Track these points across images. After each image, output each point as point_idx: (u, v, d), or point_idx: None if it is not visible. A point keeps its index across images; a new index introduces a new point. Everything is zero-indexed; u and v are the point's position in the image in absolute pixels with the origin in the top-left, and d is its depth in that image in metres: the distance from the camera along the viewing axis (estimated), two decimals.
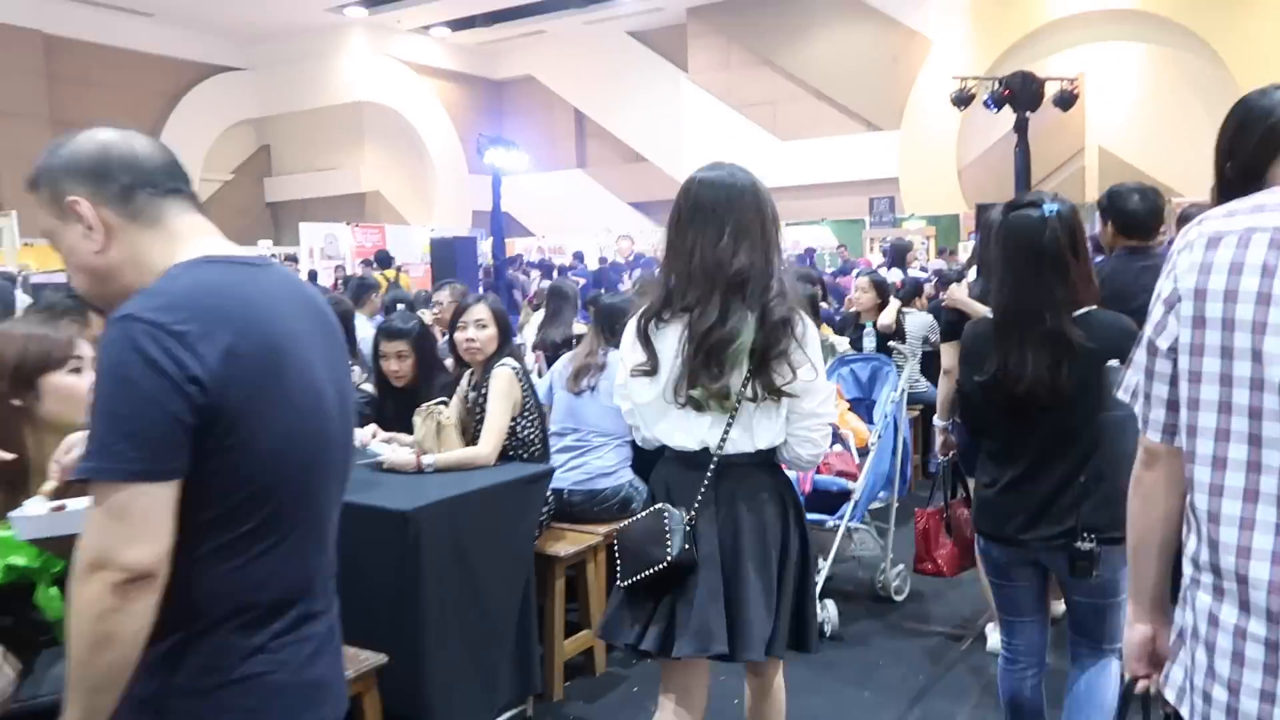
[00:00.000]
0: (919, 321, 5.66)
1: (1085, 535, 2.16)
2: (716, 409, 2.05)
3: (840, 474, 3.38)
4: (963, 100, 9.49)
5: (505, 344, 3.21)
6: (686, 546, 2.03)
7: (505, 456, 3.07)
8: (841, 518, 3.37)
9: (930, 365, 5.32)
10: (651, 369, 2.09)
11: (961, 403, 2.49)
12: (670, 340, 2.07)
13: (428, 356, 3.47)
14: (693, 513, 2.06)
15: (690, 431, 2.10)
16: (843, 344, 4.98)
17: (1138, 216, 3.18)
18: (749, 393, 2.03)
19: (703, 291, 2.03)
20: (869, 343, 5.30)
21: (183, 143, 18.63)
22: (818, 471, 3.39)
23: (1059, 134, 15.52)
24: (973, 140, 16.57)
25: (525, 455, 3.11)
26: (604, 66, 20.91)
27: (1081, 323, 2.17)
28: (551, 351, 4.65)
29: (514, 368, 3.10)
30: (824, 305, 6.88)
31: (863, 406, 3.88)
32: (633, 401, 2.18)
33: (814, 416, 2.10)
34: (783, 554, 2.13)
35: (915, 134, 16.89)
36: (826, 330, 4.99)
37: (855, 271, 9.84)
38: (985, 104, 9.05)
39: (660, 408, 2.12)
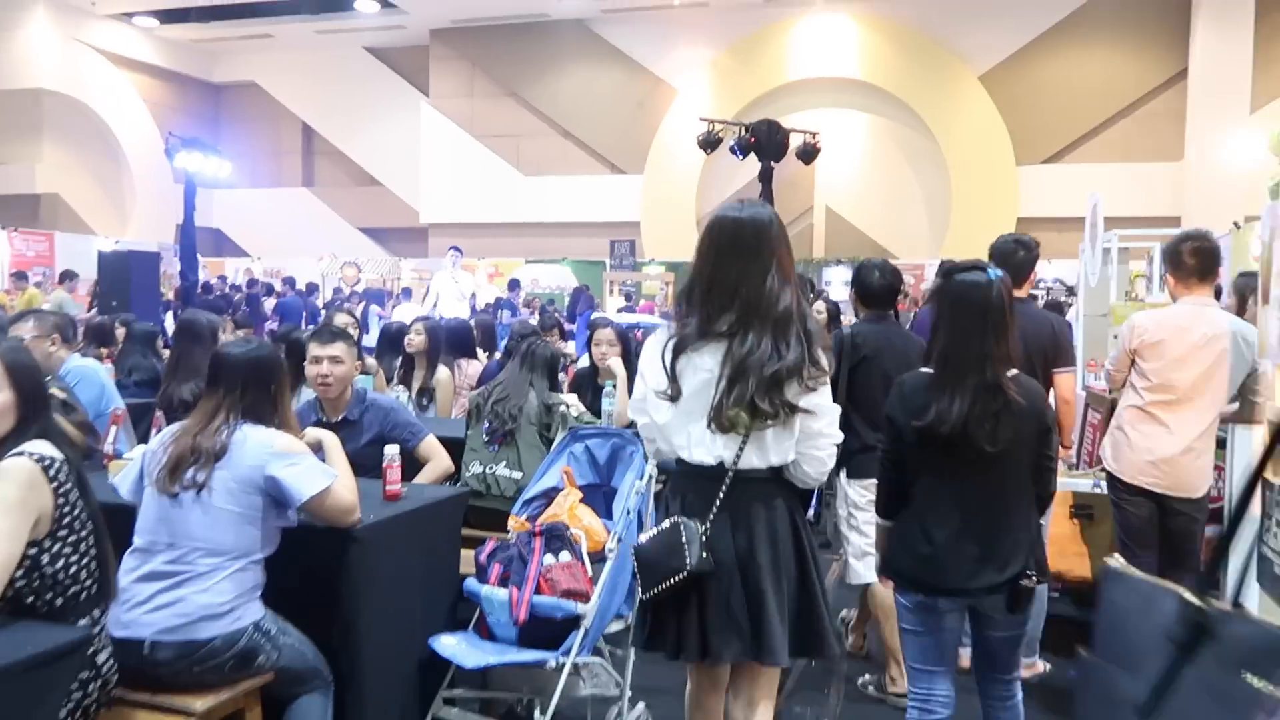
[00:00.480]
0: None
1: (1029, 573, 2.42)
2: (743, 428, 2.20)
3: (567, 593, 2.60)
4: (709, 144, 9.30)
5: (31, 415, 2.08)
6: (704, 555, 2.18)
7: (20, 607, 2.01)
8: (567, 653, 2.54)
9: None
10: (675, 395, 2.25)
11: (892, 457, 2.55)
12: (702, 365, 2.24)
13: None
14: (708, 524, 2.22)
15: (709, 448, 2.25)
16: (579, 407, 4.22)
17: (875, 291, 3.73)
18: (771, 410, 2.18)
19: (744, 323, 2.20)
20: (608, 405, 4.49)
21: None
22: (538, 590, 2.65)
23: (791, 191, 16.06)
24: (714, 189, 16.81)
25: (58, 602, 2.05)
26: (338, 81, 19.46)
27: (1013, 380, 2.42)
28: (180, 413, 3.47)
29: (38, 458, 2.02)
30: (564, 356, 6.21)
31: (599, 495, 3.16)
32: (652, 418, 2.32)
33: (823, 436, 2.27)
34: (800, 564, 2.30)
35: (658, 179, 16.92)
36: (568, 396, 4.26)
37: (593, 316, 9.34)
38: (731, 149, 8.91)
39: (680, 425, 2.28)
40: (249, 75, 20.17)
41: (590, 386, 4.75)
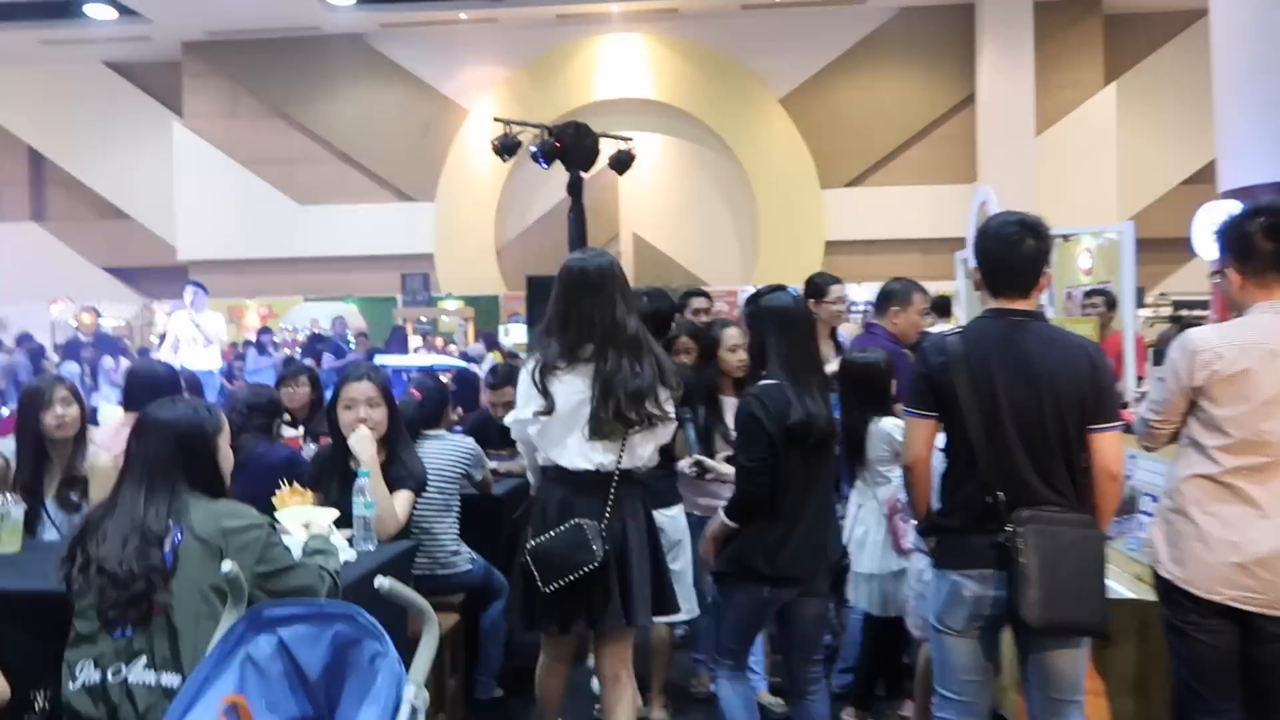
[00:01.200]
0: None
1: (843, 555, 3.26)
2: (616, 437, 2.74)
3: None
4: (506, 148, 7.96)
5: None
6: (607, 548, 2.71)
7: None
8: None
9: None
10: (549, 409, 2.74)
11: (765, 465, 2.79)
12: (574, 386, 2.75)
13: None
14: (604, 520, 2.74)
15: (588, 456, 2.76)
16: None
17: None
18: (638, 420, 2.76)
19: (602, 349, 2.73)
20: (361, 507, 2.93)
21: None
22: None
23: (595, 217, 15.09)
24: (514, 213, 15.68)
25: None
26: (73, 100, 16.85)
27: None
28: None
29: None
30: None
31: None
32: (532, 436, 2.81)
33: (663, 442, 2.94)
34: (653, 545, 2.93)
35: (452, 206, 15.57)
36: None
37: (354, 365, 7.99)
38: (534, 155, 7.68)
39: (558, 437, 2.77)
40: None
41: (337, 475, 3.22)
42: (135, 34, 15.53)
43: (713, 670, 3.26)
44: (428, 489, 3.41)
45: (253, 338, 12.45)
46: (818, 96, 15.26)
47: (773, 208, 15.13)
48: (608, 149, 7.99)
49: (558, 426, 2.71)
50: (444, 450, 3.76)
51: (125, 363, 10.52)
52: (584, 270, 2.79)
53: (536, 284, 6.23)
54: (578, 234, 6.79)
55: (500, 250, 15.56)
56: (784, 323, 2.89)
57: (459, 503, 3.79)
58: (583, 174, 7.09)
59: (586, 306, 2.72)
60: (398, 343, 11.36)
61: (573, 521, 2.66)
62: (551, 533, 2.67)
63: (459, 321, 13.78)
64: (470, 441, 3.93)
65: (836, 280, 4.51)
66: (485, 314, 14.20)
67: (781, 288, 3.04)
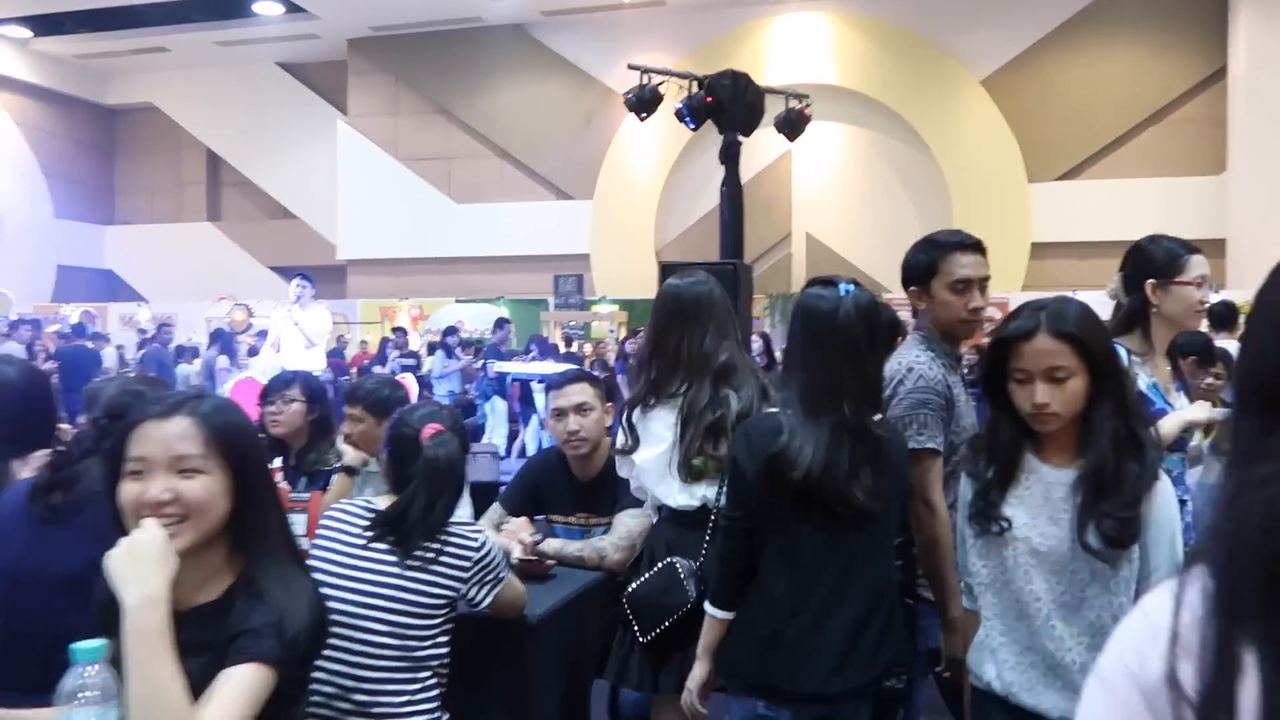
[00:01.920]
0: None
1: (897, 673, 2.07)
2: (714, 473, 2.40)
3: None
4: (644, 102, 6.49)
5: None
6: (702, 589, 2.27)
7: None
8: None
9: None
10: (631, 449, 2.54)
11: (741, 525, 2.06)
12: (663, 422, 2.49)
13: None
14: (699, 561, 2.36)
15: (690, 494, 2.45)
16: None
17: None
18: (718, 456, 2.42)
19: (689, 381, 2.48)
20: None
21: None
22: None
23: (765, 215, 13.72)
24: (675, 212, 14.47)
25: None
26: (247, 102, 17.04)
27: (883, 426, 2.11)
28: None
29: None
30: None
31: None
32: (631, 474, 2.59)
33: None
34: None
35: (610, 205, 14.52)
36: None
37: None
38: (679, 113, 6.20)
39: (658, 476, 2.49)
40: (146, 96, 17.70)
41: None
42: (304, 32, 15.40)
43: None
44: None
45: (407, 337, 11.77)
46: (1026, 77, 13.23)
47: (971, 204, 13.19)
48: (773, 108, 6.42)
49: (654, 466, 2.49)
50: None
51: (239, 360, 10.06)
52: (678, 295, 2.57)
53: (669, 269, 5.00)
54: (732, 218, 5.37)
55: (659, 251, 14.35)
56: (803, 333, 2.07)
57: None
58: (740, 137, 5.63)
59: (675, 337, 2.52)
60: (540, 348, 10.30)
61: (665, 561, 2.40)
62: (646, 575, 2.42)
63: (610, 327, 12.67)
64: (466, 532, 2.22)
65: (1195, 250, 2.48)
66: (640, 318, 13.01)
67: (830, 281, 2.08)
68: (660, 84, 5.96)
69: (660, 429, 2.47)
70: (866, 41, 13.64)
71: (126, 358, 10.35)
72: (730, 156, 5.54)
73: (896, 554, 2.16)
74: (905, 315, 12.33)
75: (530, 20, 14.74)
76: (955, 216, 13.32)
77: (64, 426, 2.37)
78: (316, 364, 7.98)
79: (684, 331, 2.49)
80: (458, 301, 14.26)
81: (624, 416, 2.55)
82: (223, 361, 9.61)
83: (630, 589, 2.41)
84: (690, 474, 2.41)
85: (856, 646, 1.97)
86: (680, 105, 5.97)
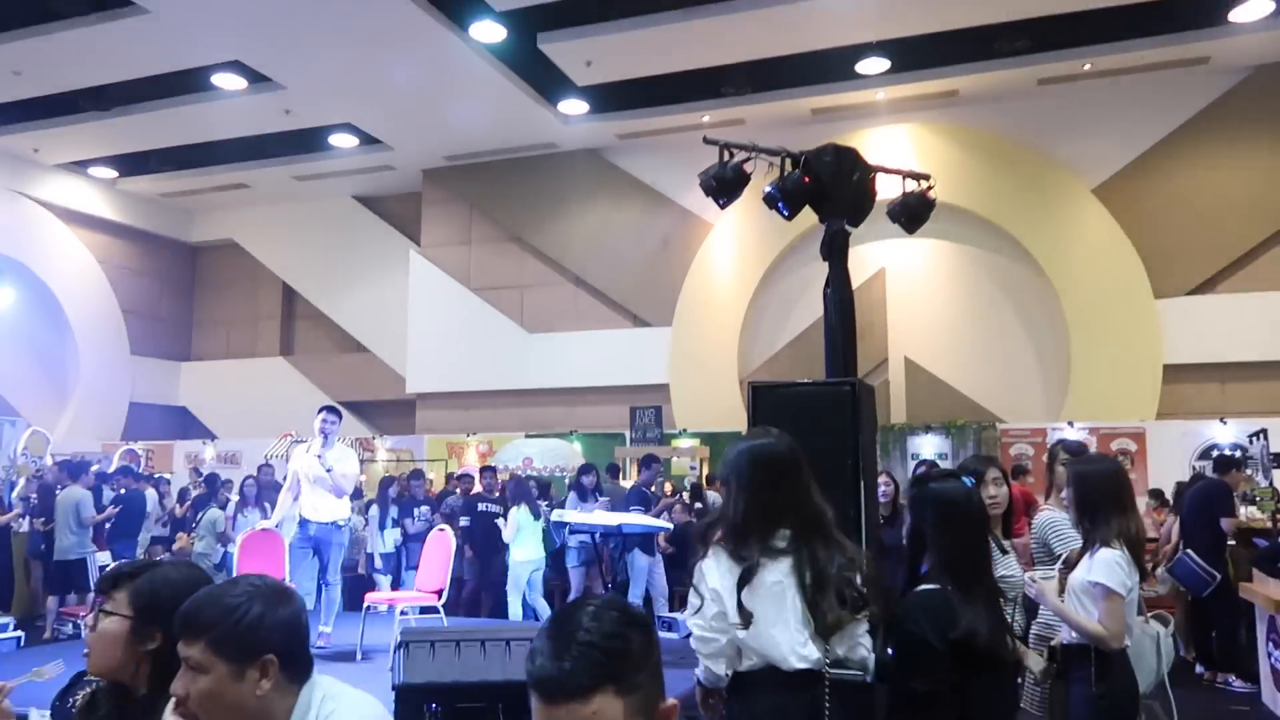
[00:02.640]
0: None
1: None
2: (842, 628, 2.42)
3: None
4: (724, 185, 5.03)
5: None
6: None
7: None
8: None
9: None
10: (747, 622, 2.42)
11: (933, 694, 2.32)
12: (771, 580, 2.44)
13: None
14: None
15: (807, 652, 2.39)
16: None
17: None
18: (858, 601, 2.45)
19: (803, 536, 2.49)
20: None
21: None
22: None
23: (858, 341, 12.61)
24: (759, 342, 13.50)
25: None
26: (323, 236, 16.95)
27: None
28: None
29: None
30: None
31: None
32: (734, 636, 2.46)
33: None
34: None
35: (691, 331, 13.63)
36: None
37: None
38: (769, 199, 4.92)
39: (770, 639, 2.42)
40: (227, 232, 17.80)
41: None
42: (379, 163, 15.27)
43: None
44: None
45: (496, 478, 10.53)
46: (1143, 183, 12.09)
47: (1088, 324, 11.91)
48: (886, 189, 5.18)
49: (763, 628, 2.40)
50: None
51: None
52: (773, 451, 2.58)
53: (761, 391, 3.89)
54: (842, 324, 4.25)
55: (743, 380, 13.31)
56: (949, 517, 2.51)
57: None
58: (849, 227, 4.54)
59: (780, 493, 2.50)
60: (582, 491, 9.02)
61: None
62: None
63: (690, 463, 11.57)
64: None
65: None
66: (722, 453, 11.89)
67: (952, 473, 2.70)
68: (745, 161, 4.84)
69: (770, 588, 2.40)
70: (961, 152, 12.75)
71: (165, 503, 9.65)
72: (835, 248, 4.47)
73: None
74: (1022, 448, 10.84)
75: (605, 144, 14.31)
76: (1072, 336, 12.04)
77: None
78: (341, 512, 7.06)
79: (788, 486, 2.51)
80: (528, 436, 13.38)
81: (734, 591, 2.41)
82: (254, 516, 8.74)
83: None
84: (828, 629, 2.36)
85: None
86: (770, 189, 4.81)
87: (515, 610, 8.34)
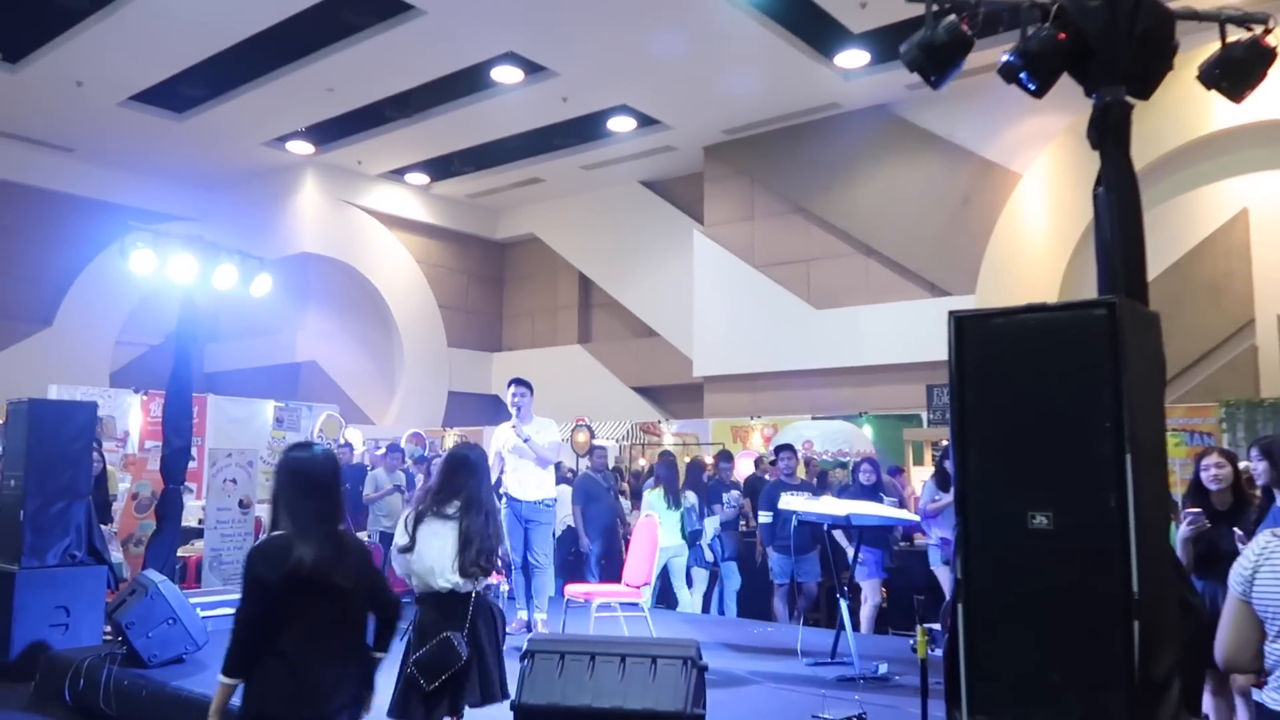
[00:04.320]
0: None
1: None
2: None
3: None
4: (936, 51, 3.61)
5: None
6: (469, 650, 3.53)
7: None
8: None
9: None
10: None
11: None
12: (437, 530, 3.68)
13: None
14: (465, 629, 3.56)
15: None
16: None
17: None
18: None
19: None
20: None
21: (101, 297, 15.68)
22: None
23: (1213, 300, 10.46)
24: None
25: None
26: (612, 223, 17.12)
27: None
28: None
29: None
30: None
31: None
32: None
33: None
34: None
35: (997, 300, 11.94)
36: None
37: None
38: (1007, 68, 3.46)
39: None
40: (528, 228, 18.57)
41: None
42: (659, 144, 15.07)
43: None
44: None
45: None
46: None
47: None
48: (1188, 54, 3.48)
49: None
50: None
51: None
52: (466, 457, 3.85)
53: None
54: (1121, 237, 2.95)
55: None
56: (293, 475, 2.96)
57: None
58: (1131, 99, 3.09)
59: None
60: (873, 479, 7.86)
61: (443, 635, 3.60)
62: (428, 646, 3.61)
63: None
64: None
65: None
66: None
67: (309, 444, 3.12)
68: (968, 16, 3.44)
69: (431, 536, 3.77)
70: None
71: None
72: (1109, 128, 3.12)
73: None
74: None
75: (891, 98, 13.03)
76: None
77: None
78: (547, 489, 6.65)
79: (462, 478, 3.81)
80: (813, 419, 12.48)
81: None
82: None
83: (415, 658, 3.52)
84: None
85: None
86: (1009, 56, 3.34)
87: (685, 600, 8.11)
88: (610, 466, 10.95)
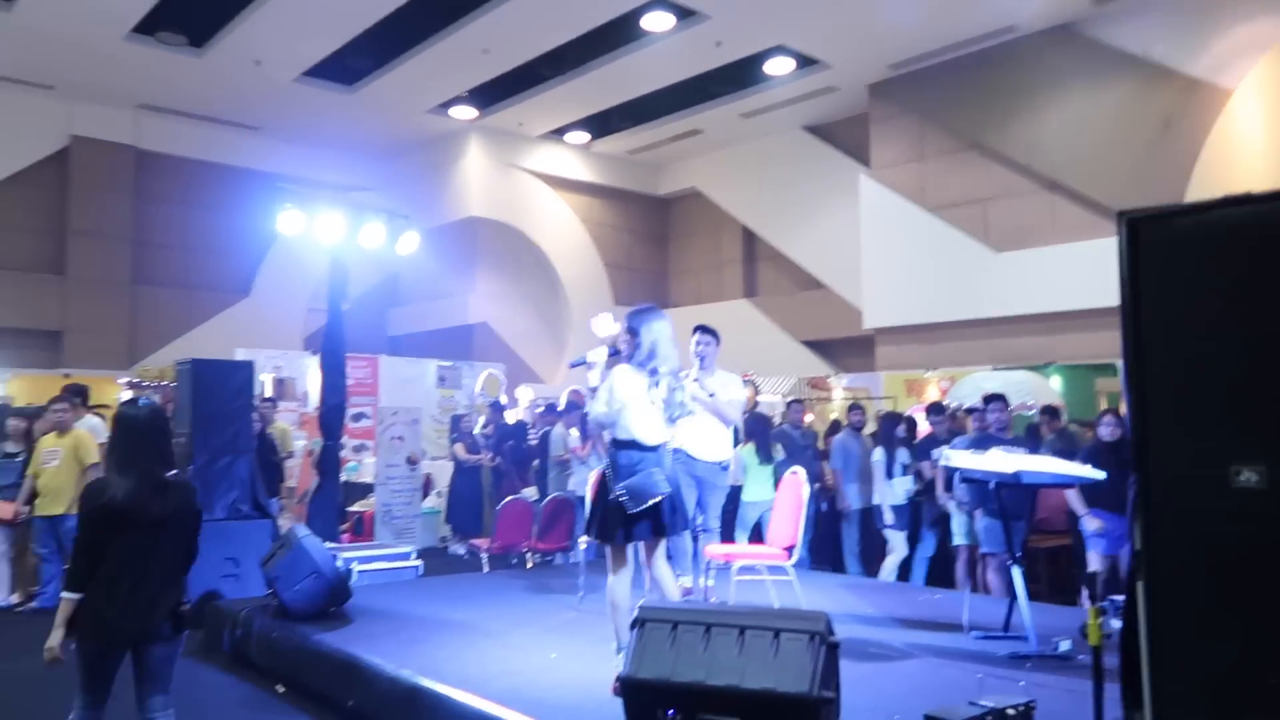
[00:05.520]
0: None
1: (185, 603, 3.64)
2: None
3: None
4: None
5: None
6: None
7: None
8: None
9: None
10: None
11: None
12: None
13: None
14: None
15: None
16: None
17: None
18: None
19: None
20: None
21: (292, 267, 16.57)
22: None
23: None
24: None
25: None
26: (775, 172, 16.51)
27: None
28: None
29: None
30: None
31: None
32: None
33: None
34: None
35: None
36: None
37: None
38: None
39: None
40: (690, 182, 18.22)
41: None
42: (821, 86, 14.32)
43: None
44: None
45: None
46: None
47: None
48: None
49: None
50: None
51: None
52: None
53: None
54: None
55: None
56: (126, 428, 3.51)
57: None
58: None
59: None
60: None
61: (649, 470, 4.32)
62: (635, 476, 4.33)
63: None
64: None
65: None
66: None
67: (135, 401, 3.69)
68: None
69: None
70: None
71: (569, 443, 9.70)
72: None
73: None
74: None
75: (1077, 15, 11.76)
76: None
77: None
78: (727, 449, 6.19)
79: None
80: (995, 369, 11.59)
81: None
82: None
83: (625, 483, 4.28)
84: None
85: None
86: None
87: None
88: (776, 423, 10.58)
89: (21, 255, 15.00)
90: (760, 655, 3.11)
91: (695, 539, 6.06)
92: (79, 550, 3.31)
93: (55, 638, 3.24)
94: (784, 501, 6.01)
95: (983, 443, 6.39)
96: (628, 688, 3.20)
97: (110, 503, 3.26)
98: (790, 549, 5.71)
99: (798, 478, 6.04)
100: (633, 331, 4.50)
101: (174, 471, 3.53)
